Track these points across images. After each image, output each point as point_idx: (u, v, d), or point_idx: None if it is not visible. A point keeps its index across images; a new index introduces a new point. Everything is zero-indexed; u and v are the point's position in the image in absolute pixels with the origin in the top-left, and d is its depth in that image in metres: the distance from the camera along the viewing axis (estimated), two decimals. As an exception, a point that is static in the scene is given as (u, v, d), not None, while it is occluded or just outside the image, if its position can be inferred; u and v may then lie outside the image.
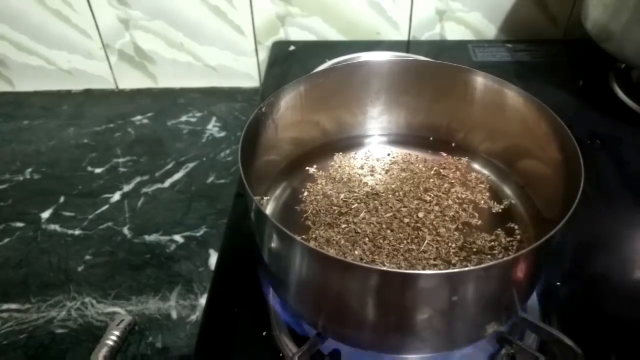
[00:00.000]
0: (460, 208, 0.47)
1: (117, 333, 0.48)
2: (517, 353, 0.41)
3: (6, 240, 0.60)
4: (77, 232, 0.61)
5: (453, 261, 0.42)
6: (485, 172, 0.51)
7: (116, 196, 0.65)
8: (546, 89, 0.69)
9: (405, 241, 0.43)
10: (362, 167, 0.52)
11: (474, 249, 0.43)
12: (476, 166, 0.52)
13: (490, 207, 0.48)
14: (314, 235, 0.44)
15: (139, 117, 0.78)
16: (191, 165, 0.70)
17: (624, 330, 0.44)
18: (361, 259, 0.42)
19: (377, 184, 0.49)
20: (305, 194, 0.49)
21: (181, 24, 0.78)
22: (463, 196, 0.48)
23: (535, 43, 0.80)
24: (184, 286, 0.54)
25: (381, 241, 0.43)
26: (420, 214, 0.45)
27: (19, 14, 0.77)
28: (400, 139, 0.55)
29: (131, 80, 0.84)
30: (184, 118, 0.78)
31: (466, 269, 0.36)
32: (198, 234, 0.60)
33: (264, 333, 0.44)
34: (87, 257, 0.58)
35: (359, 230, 0.44)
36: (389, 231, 0.44)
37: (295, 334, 0.42)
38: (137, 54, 0.81)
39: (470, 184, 0.50)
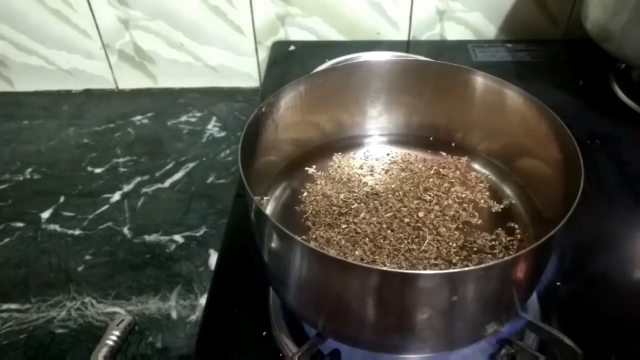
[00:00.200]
0: (461, 207, 0.47)
1: (117, 333, 0.48)
2: (517, 353, 0.41)
3: (6, 240, 0.60)
4: (77, 232, 0.61)
5: (454, 261, 0.42)
6: (485, 171, 0.51)
7: (116, 196, 0.65)
8: (546, 89, 0.69)
9: (405, 241, 0.43)
10: (361, 167, 0.52)
11: (475, 249, 0.43)
12: (476, 166, 0.52)
13: (490, 206, 0.48)
14: (314, 236, 0.44)
15: (139, 117, 0.78)
16: (191, 165, 0.70)
17: (624, 330, 0.44)
18: (362, 259, 0.41)
19: (376, 184, 0.49)
20: (305, 194, 0.49)
21: (181, 24, 0.78)
22: (463, 195, 0.48)
23: (535, 43, 0.80)
24: (184, 286, 0.54)
25: (382, 241, 0.43)
26: (421, 214, 0.45)
27: (19, 14, 0.77)
28: (400, 139, 0.55)
29: (131, 80, 0.84)
30: (184, 118, 0.78)
31: (466, 269, 0.36)
32: (198, 234, 0.60)
33: (264, 333, 0.44)
34: (87, 257, 0.58)
35: (359, 231, 0.44)
36: (389, 231, 0.44)
37: (295, 334, 0.42)
38: (137, 54, 0.81)
39: (470, 183, 0.50)
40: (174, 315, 0.52)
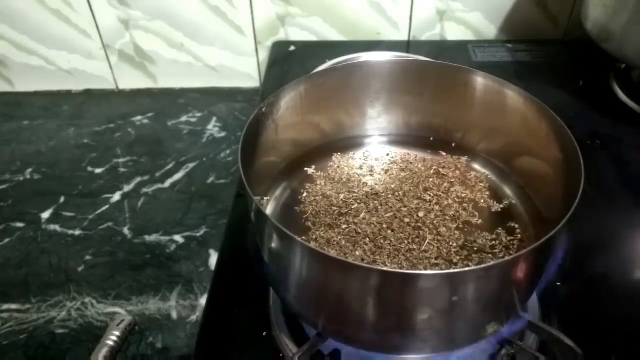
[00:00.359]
0: (460, 207, 0.47)
1: (117, 333, 0.48)
2: (517, 353, 0.41)
3: (6, 240, 0.60)
4: (77, 232, 0.61)
5: (454, 260, 0.42)
6: (485, 171, 0.51)
7: (116, 196, 0.65)
8: (546, 89, 0.69)
9: (406, 241, 0.43)
10: (360, 167, 0.52)
11: (475, 248, 0.43)
12: (476, 166, 0.52)
13: (490, 206, 0.48)
14: (314, 236, 0.44)
15: (139, 117, 0.78)
16: (191, 165, 0.70)
17: (624, 330, 0.44)
18: (362, 260, 0.41)
19: (376, 184, 0.49)
20: (304, 194, 0.49)
21: (181, 24, 0.78)
22: (463, 195, 0.48)
23: (535, 43, 0.80)
24: (184, 286, 0.54)
25: (382, 241, 0.43)
26: (421, 214, 0.45)
27: (19, 14, 0.77)
28: (400, 139, 0.55)
29: (131, 80, 0.84)
30: (184, 118, 0.78)
31: (466, 269, 0.36)
32: (198, 234, 0.60)
33: (264, 333, 0.44)
34: (87, 257, 0.58)
35: (359, 231, 0.44)
36: (389, 231, 0.44)
37: (295, 334, 0.42)
38: (137, 54, 0.81)
39: (470, 182, 0.50)
40: (174, 315, 0.52)
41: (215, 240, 0.59)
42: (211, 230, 0.61)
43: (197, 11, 0.77)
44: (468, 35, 0.82)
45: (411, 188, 0.48)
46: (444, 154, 0.53)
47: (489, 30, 0.81)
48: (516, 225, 0.46)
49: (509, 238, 0.44)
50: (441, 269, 0.41)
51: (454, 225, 0.45)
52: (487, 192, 0.49)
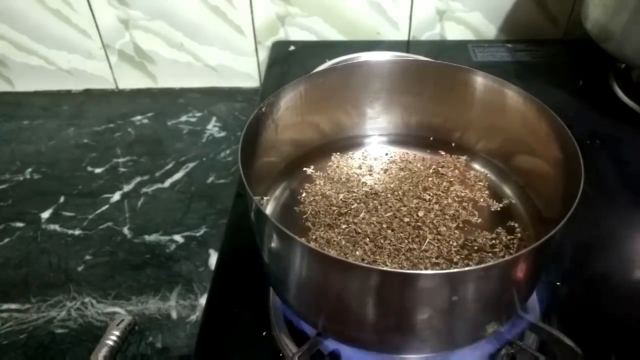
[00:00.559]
0: (460, 206, 0.47)
1: (117, 333, 0.48)
2: (517, 353, 0.41)
3: (6, 240, 0.60)
4: (77, 232, 0.61)
5: (455, 260, 0.42)
6: (485, 171, 0.51)
7: (116, 196, 0.65)
8: (546, 89, 0.69)
9: (406, 241, 0.43)
10: (360, 167, 0.52)
11: (476, 247, 0.43)
12: (476, 166, 0.52)
13: (489, 205, 0.48)
14: (314, 237, 0.44)
15: (139, 117, 0.78)
16: (191, 165, 0.70)
17: (624, 330, 0.44)
18: (363, 260, 0.41)
19: (375, 184, 0.49)
20: (304, 194, 0.49)
21: (181, 24, 0.78)
22: (462, 194, 0.48)
23: (535, 43, 0.80)
24: (184, 286, 0.54)
25: (382, 241, 0.43)
26: (420, 213, 0.45)
27: (19, 14, 0.77)
28: (400, 139, 0.55)
29: (131, 80, 0.84)
30: (184, 118, 0.78)
31: (466, 269, 0.36)
32: (198, 234, 0.60)
33: (264, 333, 0.44)
34: (87, 257, 0.58)
35: (359, 231, 0.44)
36: (389, 231, 0.44)
37: (295, 334, 0.42)
38: (137, 54, 0.81)
39: (469, 182, 0.50)
40: (174, 315, 0.52)
41: (215, 240, 0.59)
42: (211, 230, 0.61)
43: (197, 11, 0.77)
44: (468, 35, 0.82)
45: (411, 188, 0.48)
46: (443, 153, 0.53)
47: (489, 30, 0.81)
48: (516, 225, 0.46)
49: (509, 237, 0.44)
50: (442, 268, 0.41)
51: (454, 225, 0.45)
52: (486, 192, 0.49)
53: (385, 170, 0.51)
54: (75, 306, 0.53)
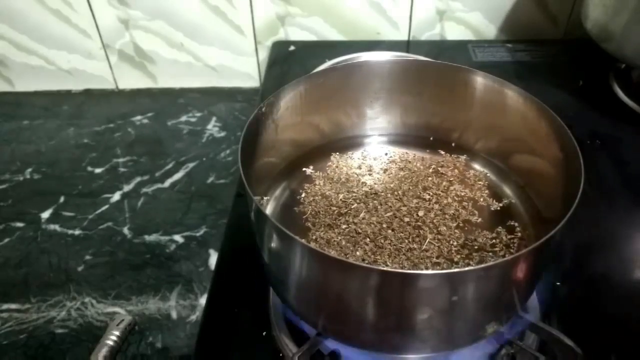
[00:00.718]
0: (460, 206, 0.47)
1: (117, 333, 0.48)
2: (517, 353, 0.41)
3: (6, 240, 0.60)
4: (77, 232, 0.61)
5: (456, 259, 0.42)
6: (485, 171, 0.51)
7: (116, 196, 0.65)
8: (546, 89, 0.69)
9: (406, 240, 0.43)
10: (359, 167, 0.52)
11: (476, 247, 0.43)
12: (476, 166, 0.52)
13: (489, 204, 0.48)
14: (314, 237, 0.44)
15: (139, 117, 0.78)
16: (191, 165, 0.70)
17: (624, 330, 0.44)
18: (363, 260, 0.41)
19: (375, 184, 0.49)
20: (303, 195, 0.49)
21: (181, 24, 0.78)
22: (462, 194, 0.48)
23: (535, 43, 0.80)
24: (184, 286, 0.54)
25: (382, 241, 0.43)
26: (421, 213, 0.45)
27: (19, 14, 0.77)
28: (400, 139, 0.55)
29: (131, 80, 0.84)
30: (184, 118, 0.78)
31: (466, 269, 0.36)
32: (198, 234, 0.60)
33: (264, 333, 0.44)
34: (87, 257, 0.58)
35: (359, 231, 0.44)
36: (389, 231, 0.44)
37: (295, 334, 0.42)
38: (137, 54, 0.81)
39: (469, 181, 0.50)
40: (174, 315, 0.52)
41: (215, 240, 0.59)
42: (211, 230, 0.61)
43: (197, 11, 0.77)
44: (468, 35, 0.82)
45: (410, 187, 0.48)
46: (442, 153, 0.53)
47: (489, 30, 0.81)
48: (516, 224, 0.46)
49: (509, 237, 0.44)
50: (443, 268, 0.41)
51: (454, 224, 0.45)
52: (486, 191, 0.49)
53: (385, 170, 0.51)
54: (75, 306, 0.53)
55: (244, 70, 0.83)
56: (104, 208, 0.64)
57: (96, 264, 0.57)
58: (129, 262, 0.57)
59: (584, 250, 0.50)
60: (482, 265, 0.34)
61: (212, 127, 0.76)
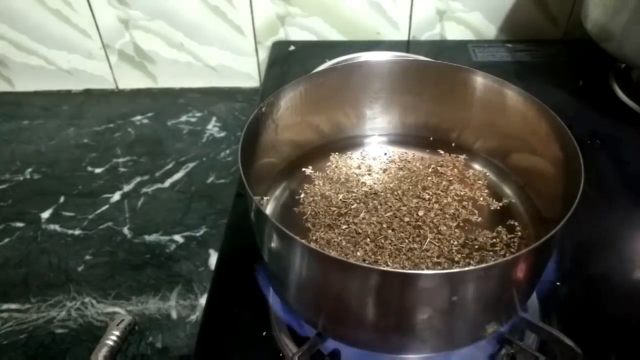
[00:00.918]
0: (460, 205, 0.47)
1: (117, 333, 0.48)
2: (517, 353, 0.41)
3: (6, 240, 0.60)
4: (77, 232, 0.61)
5: (456, 259, 0.42)
6: (484, 170, 0.51)
7: (116, 196, 0.65)
8: (546, 89, 0.69)
9: (407, 240, 0.43)
10: (359, 167, 0.52)
11: (476, 246, 0.43)
12: (476, 166, 0.52)
13: (489, 204, 0.48)
14: (314, 238, 0.44)
15: (139, 117, 0.78)
16: (191, 165, 0.70)
17: (624, 330, 0.44)
18: (364, 260, 0.41)
19: (375, 184, 0.49)
20: (303, 195, 0.49)
21: (181, 24, 0.78)
22: (462, 193, 0.48)
23: (535, 43, 0.80)
24: (184, 286, 0.54)
25: (383, 241, 0.43)
26: (420, 213, 0.45)
27: (19, 14, 0.77)
28: (400, 139, 0.55)
29: (131, 80, 0.84)
30: (184, 118, 0.78)
31: (466, 269, 0.36)
32: (198, 234, 0.60)
33: (264, 333, 0.44)
34: (87, 257, 0.58)
35: (359, 231, 0.44)
36: (390, 231, 0.44)
37: (295, 334, 0.42)
38: (137, 54, 0.81)
39: (469, 181, 0.50)
40: (174, 315, 0.52)
41: (215, 240, 0.59)
42: (211, 230, 0.61)
43: (197, 11, 0.77)
44: (468, 35, 0.82)
45: (410, 187, 0.48)
46: (442, 152, 0.53)
47: (489, 30, 0.81)
48: (516, 224, 0.46)
49: (509, 236, 0.44)
50: (443, 267, 0.41)
51: (455, 224, 0.45)
52: (486, 191, 0.49)
53: (385, 170, 0.51)
54: (75, 306, 0.53)
55: (244, 70, 0.83)
56: (104, 208, 0.64)
57: (96, 264, 0.57)
58: (129, 262, 0.57)
59: (584, 250, 0.50)
60: (482, 265, 0.34)
61: (212, 127, 0.76)
